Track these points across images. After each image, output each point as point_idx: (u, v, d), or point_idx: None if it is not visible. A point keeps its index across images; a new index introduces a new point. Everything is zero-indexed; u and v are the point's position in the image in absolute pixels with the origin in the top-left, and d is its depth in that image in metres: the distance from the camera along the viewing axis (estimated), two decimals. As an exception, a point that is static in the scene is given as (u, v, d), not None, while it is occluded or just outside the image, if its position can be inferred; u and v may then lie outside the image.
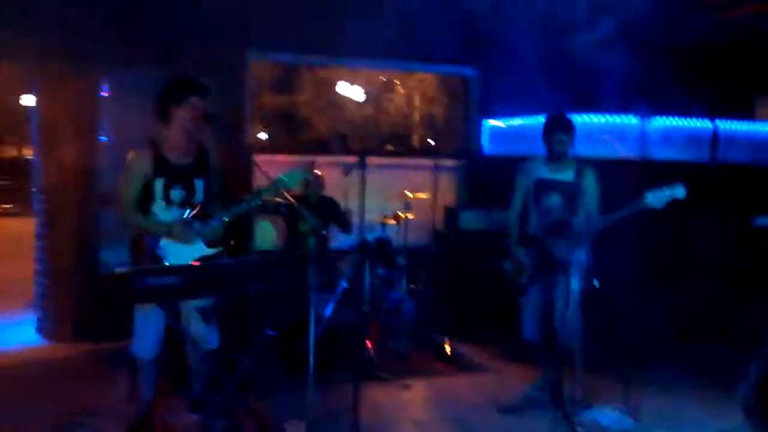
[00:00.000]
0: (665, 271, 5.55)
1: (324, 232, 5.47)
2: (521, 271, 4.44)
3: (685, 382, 5.06)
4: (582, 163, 4.41)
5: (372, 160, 4.49)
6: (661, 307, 5.48)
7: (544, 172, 4.43)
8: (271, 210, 5.42)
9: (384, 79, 13.93)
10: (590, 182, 4.35)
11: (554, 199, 4.36)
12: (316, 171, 5.70)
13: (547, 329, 4.41)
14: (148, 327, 3.64)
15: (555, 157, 4.37)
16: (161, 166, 3.62)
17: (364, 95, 13.93)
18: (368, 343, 5.12)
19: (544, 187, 4.41)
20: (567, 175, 4.35)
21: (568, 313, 4.21)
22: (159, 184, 3.62)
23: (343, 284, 5.18)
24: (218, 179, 3.85)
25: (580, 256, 4.28)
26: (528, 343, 4.53)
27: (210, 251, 3.72)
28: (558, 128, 4.34)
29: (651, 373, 5.08)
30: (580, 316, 4.27)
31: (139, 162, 3.61)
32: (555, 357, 4.40)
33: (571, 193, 4.32)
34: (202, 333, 3.66)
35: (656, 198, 3.85)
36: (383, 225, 5.86)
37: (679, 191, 3.84)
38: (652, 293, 5.43)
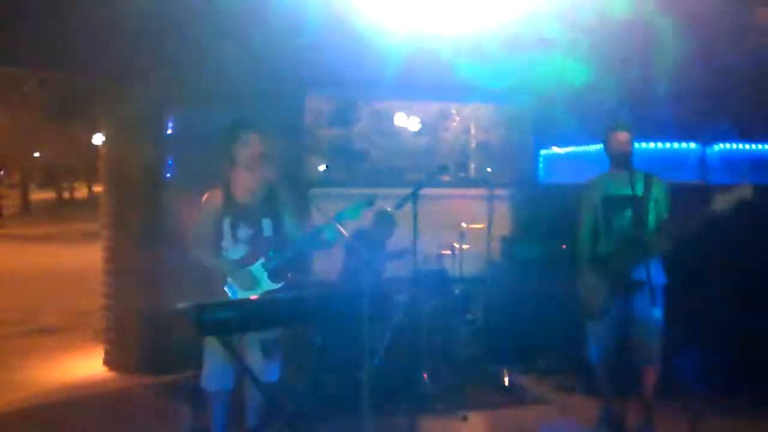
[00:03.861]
0: (731, 297, 5.37)
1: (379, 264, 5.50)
2: (596, 295, 4.24)
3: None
4: (648, 174, 4.25)
5: (427, 190, 4.53)
6: (730, 334, 5.29)
7: (611, 189, 4.28)
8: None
9: (440, 108, 13.98)
10: (659, 192, 4.23)
11: (625, 216, 4.20)
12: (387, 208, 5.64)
13: (611, 353, 4.30)
14: (217, 359, 3.74)
15: (620, 160, 4.21)
16: (229, 205, 3.82)
17: (420, 125, 14.02)
18: (424, 375, 5.12)
19: (612, 203, 4.26)
20: (635, 189, 4.12)
21: (648, 337, 4.12)
22: (227, 223, 3.81)
23: (399, 315, 5.21)
24: (291, 216, 3.94)
25: (658, 275, 4.16)
26: (594, 368, 4.41)
27: (274, 285, 3.84)
28: (617, 127, 4.27)
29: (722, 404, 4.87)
30: (661, 341, 4.16)
31: (211, 201, 3.85)
32: (614, 383, 4.29)
33: (641, 207, 4.15)
34: (262, 365, 3.74)
35: (723, 201, 3.77)
36: (439, 256, 5.87)
37: (746, 191, 3.75)
38: (720, 319, 5.26)
